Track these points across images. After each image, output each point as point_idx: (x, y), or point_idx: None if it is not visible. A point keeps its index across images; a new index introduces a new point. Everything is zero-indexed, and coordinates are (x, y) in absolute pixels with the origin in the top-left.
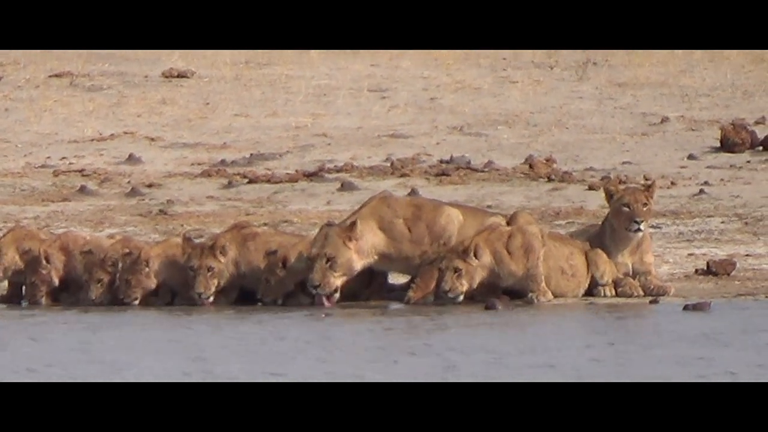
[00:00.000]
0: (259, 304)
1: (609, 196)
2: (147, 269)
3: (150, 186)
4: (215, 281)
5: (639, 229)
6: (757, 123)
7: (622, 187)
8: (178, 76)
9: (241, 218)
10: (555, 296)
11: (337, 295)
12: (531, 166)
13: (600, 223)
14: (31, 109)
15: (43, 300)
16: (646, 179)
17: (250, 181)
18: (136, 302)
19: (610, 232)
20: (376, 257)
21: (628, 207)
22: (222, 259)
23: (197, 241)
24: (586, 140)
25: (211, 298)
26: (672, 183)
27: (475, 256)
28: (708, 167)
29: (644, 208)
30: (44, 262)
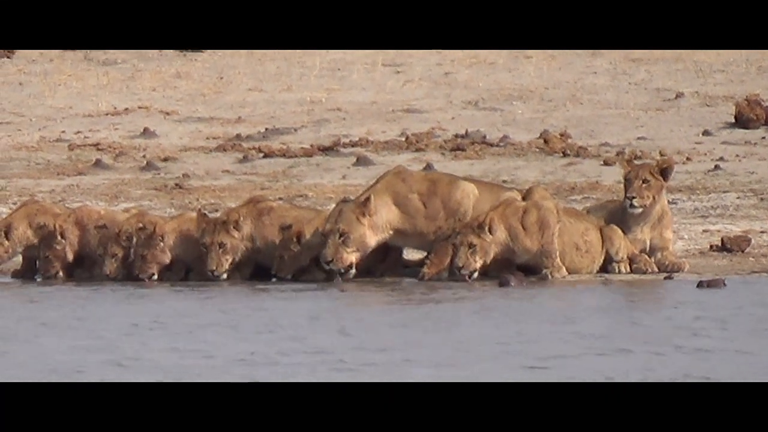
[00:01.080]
0: (274, 279)
1: (622, 170)
2: (162, 244)
3: (165, 160)
4: (228, 257)
5: (633, 205)
6: None
7: (637, 162)
8: (192, 50)
9: (256, 192)
10: (569, 272)
11: (353, 270)
12: (546, 141)
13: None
14: (46, 83)
15: (58, 275)
16: (662, 155)
17: (266, 156)
18: (154, 278)
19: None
20: (390, 233)
21: (627, 182)
22: (236, 235)
23: (213, 215)
24: (600, 115)
25: (225, 275)
26: (687, 159)
27: (490, 231)
28: (723, 143)
29: (642, 185)
30: (59, 237)
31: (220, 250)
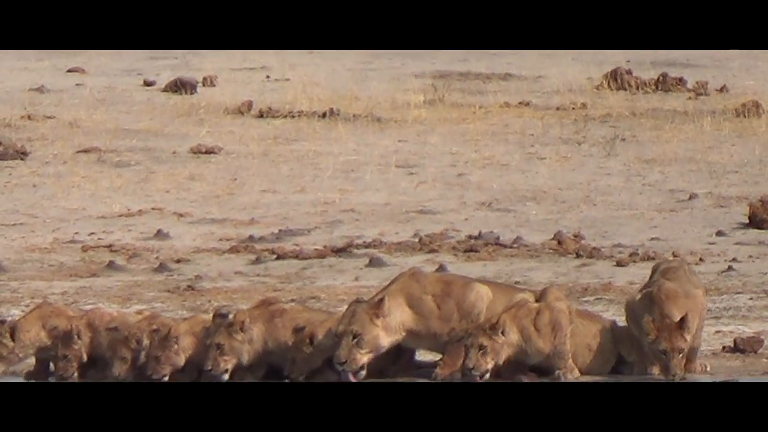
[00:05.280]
0: (286, 380)
1: (646, 333)
2: (176, 346)
3: (178, 261)
4: (227, 358)
5: (674, 377)
6: None
7: (661, 322)
8: (206, 152)
9: (269, 294)
10: (582, 373)
11: (364, 372)
12: (559, 242)
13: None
14: (59, 184)
15: (74, 375)
16: (675, 256)
17: (278, 257)
18: (165, 379)
19: (649, 351)
20: (404, 334)
21: (665, 355)
22: (238, 337)
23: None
24: (614, 216)
25: (225, 376)
26: (700, 259)
27: (502, 333)
28: (736, 244)
29: (681, 356)
30: (76, 337)
31: (218, 351)
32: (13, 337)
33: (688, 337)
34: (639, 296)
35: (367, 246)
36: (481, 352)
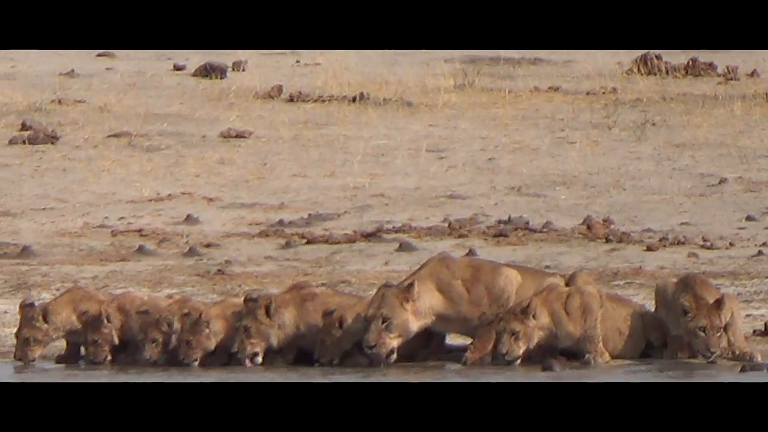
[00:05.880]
0: (317, 364)
1: (684, 312)
2: (207, 330)
3: (208, 246)
4: (254, 341)
5: (712, 359)
6: None
7: (700, 297)
8: (236, 137)
9: (299, 278)
10: (612, 357)
11: (394, 356)
12: (589, 227)
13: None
14: (89, 169)
15: (107, 359)
16: (705, 240)
17: (308, 242)
18: (196, 363)
19: (684, 333)
20: (433, 318)
21: (704, 332)
22: (264, 320)
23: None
24: (643, 201)
25: (258, 359)
26: (730, 244)
27: (533, 317)
28: (766, 228)
29: (719, 335)
30: (105, 321)
31: (244, 334)
32: (45, 320)
33: (723, 318)
34: (672, 280)
35: (397, 231)
36: (513, 337)
